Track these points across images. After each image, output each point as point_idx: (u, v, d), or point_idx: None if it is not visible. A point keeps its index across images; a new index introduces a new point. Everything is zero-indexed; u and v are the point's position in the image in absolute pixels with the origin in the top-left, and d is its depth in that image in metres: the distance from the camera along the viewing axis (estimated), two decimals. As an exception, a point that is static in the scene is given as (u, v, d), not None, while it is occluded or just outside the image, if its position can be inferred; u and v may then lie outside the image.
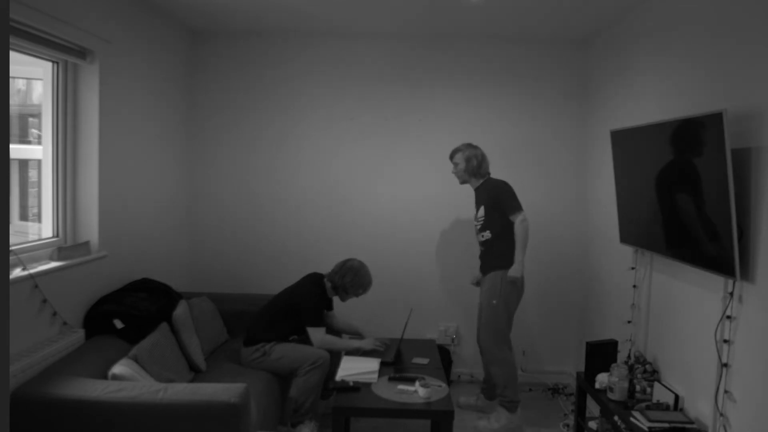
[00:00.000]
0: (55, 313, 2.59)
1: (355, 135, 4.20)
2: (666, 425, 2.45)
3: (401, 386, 2.81)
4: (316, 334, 3.20)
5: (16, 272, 2.39)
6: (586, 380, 3.10)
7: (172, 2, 3.46)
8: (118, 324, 2.82)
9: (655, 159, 2.70)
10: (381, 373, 2.97)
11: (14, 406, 2.15)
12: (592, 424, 3.12)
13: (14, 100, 3.03)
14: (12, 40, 2.34)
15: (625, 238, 3.17)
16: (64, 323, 2.66)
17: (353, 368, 2.96)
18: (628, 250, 3.32)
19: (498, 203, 3.38)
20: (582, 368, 3.34)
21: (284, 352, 3.13)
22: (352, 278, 3.32)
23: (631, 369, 2.97)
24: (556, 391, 4.08)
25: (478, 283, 3.71)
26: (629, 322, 3.28)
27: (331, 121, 4.19)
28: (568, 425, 3.49)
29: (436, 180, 4.18)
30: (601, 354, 3.11)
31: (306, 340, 3.22)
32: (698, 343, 2.56)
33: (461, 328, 4.26)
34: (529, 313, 4.19)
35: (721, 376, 2.35)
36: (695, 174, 2.35)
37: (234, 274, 4.27)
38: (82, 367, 2.42)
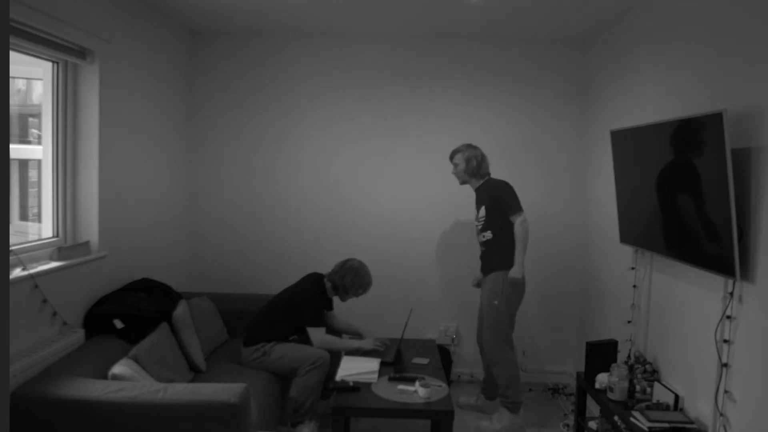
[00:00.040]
0: (55, 313, 2.59)
1: (355, 135, 4.20)
2: (666, 425, 2.45)
3: (401, 386, 2.81)
4: (316, 334, 3.20)
5: (16, 272, 2.39)
6: (586, 380, 3.10)
7: (172, 2, 3.46)
8: (118, 324, 2.82)
9: (655, 159, 2.70)
10: (381, 373, 2.97)
11: (14, 406, 2.15)
12: (592, 424, 3.12)
13: (14, 100, 3.03)
14: (12, 40, 2.34)
15: (625, 238, 3.17)
16: (64, 323, 2.66)
17: (353, 368, 2.96)
18: (628, 250, 3.32)
19: (498, 203, 3.37)
20: (582, 368, 3.34)
21: (284, 352, 3.13)
22: (352, 278, 3.32)
23: (631, 369, 2.97)
24: (556, 391, 4.08)
25: (479, 284, 3.70)
26: (629, 322, 3.28)
27: (331, 121, 4.19)
28: (568, 425, 3.49)
29: (436, 180, 4.18)
30: (601, 354, 3.11)
31: (306, 340, 3.22)
32: (698, 343, 2.56)
33: (461, 328, 4.26)
34: (529, 313, 4.19)
35: (721, 376, 2.35)
36: (695, 174, 2.35)
37: (234, 274, 4.27)
38: (82, 367, 2.42)
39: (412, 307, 4.19)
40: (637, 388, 2.87)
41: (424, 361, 3.21)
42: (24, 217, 2.94)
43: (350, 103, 4.18)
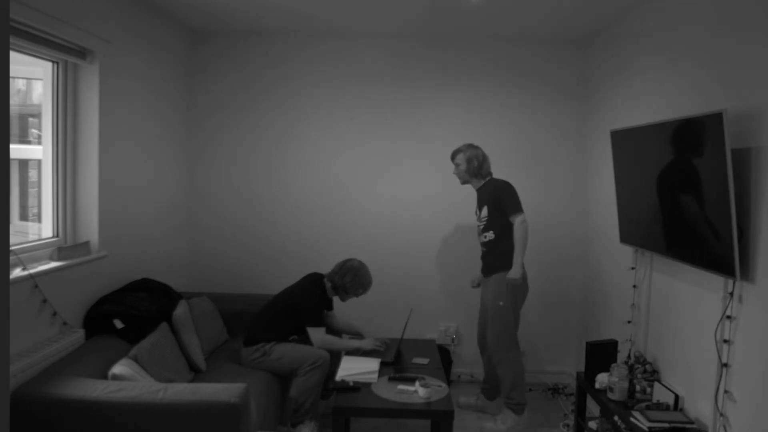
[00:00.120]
0: (55, 313, 2.59)
1: (355, 135, 4.20)
2: (666, 425, 2.45)
3: (401, 386, 2.81)
4: (316, 334, 3.20)
5: (16, 272, 2.39)
6: (586, 380, 3.10)
7: (172, 2, 3.46)
8: (118, 324, 2.82)
9: (655, 159, 2.70)
10: (381, 373, 2.97)
11: (14, 406, 2.15)
12: (592, 424, 3.12)
13: (14, 100, 3.03)
14: (12, 40, 2.34)
15: (625, 238, 3.17)
16: (64, 323, 2.66)
17: (353, 368, 2.96)
18: (628, 250, 3.32)
19: (499, 203, 3.37)
20: (582, 368, 3.34)
21: (284, 352, 3.13)
22: (352, 278, 3.32)
23: (631, 369, 2.97)
24: (556, 391, 4.08)
25: (478, 285, 3.70)
26: (629, 322, 3.28)
27: (331, 121, 4.19)
28: (568, 425, 3.49)
29: (436, 180, 4.18)
30: (601, 354, 3.11)
31: (306, 340, 3.22)
32: (698, 343, 2.56)
33: (461, 328, 4.26)
34: (529, 313, 4.19)
35: (721, 376, 2.35)
36: (695, 174, 2.35)
37: (234, 274, 4.27)
38: (82, 367, 2.42)
39: (412, 307, 4.19)
40: (637, 388, 2.87)
41: (424, 361, 3.21)
42: (24, 217, 2.94)
43: (350, 103, 4.18)
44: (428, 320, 4.26)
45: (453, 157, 3.54)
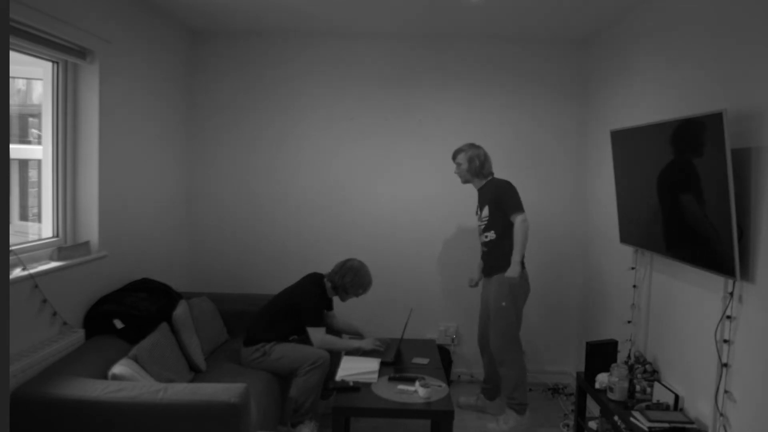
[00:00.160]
0: (55, 313, 2.59)
1: (355, 135, 4.20)
2: (666, 425, 2.45)
3: (401, 386, 2.81)
4: (316, 334, 3.20)
5: (16, 272, 2.39)
6: (586, 380, 3.10)
7: (172, 2, 3.46)
8: (118, 324, 2.82)
9: (655, 159, 2.70)
10: (381, 373, 2.97)
11: (14, 406, 2.15)
12: (592, 424, 3.12)
13: (14, 100, 3.03)
14: (12, 40, 2.34)
15: (625, 238, 3.17)
16: (64, 323, 2.66)
17: (353, 368, 2.96)
18: (628, 250, 3.32)
19: (500, 203, 3.36)
20: (582, 368, 3.34)
21: (284, 352, 3.13)
22: (352, 278, 3.32)
23: (631, 369, 2.97)
24: (556, 391, 4.08)
25: (476, 284, 3.70)
26: (629, 322, 3.28)
27: (331, 121, 4.19)
28: (568, 425, 3.49)
29: (436, 180, 4.18)
30: (601, 354, 3.11)
31: (306, 340, 3.22)
32: (698, 343, 2.56)
33: (461, 328, 4.26)
34: (529, 313, 4.19)
35: (721, 376, 2.35)
36: (695, 174, 2.35)
37: (234, 274, 4.27)
38: (82, 367, 2.42)
39: (412, 307, 4.19)
40: (637, 388, 2.87)
41: (424, 361, 3.21)
42: (24, 217, 2.94)
43: (350, 103, 4.18)
44: (428, 320, 4.26)
45: (454, 156, 3.53)
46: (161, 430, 2.16)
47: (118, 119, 3.13)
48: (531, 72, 4.14)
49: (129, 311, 2.87)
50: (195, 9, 3.59)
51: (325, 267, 3.60)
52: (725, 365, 2.33)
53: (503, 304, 3.34)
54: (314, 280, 3.42)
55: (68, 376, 2.30)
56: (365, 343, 3.27)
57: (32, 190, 2.95)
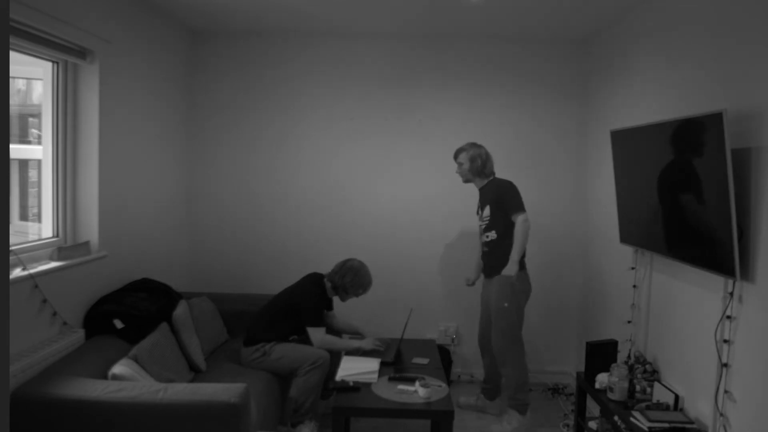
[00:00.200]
0: (55, 313, 2.59)
1: (355, 135, 4.20)
2: (666, 425, 2.45)
3: (401, 386, 2.81)
4: (316, 334, 3.20)
5: (16, 272, 2.39)
6: (586, 380, 3.10)
7: (172, 2, 3.46)
8: (118, 324, 2.82)
9: (655, 159, 2.70)
10: (381, 373, 2.97)
11: (14, 406, 2.15)
12: (592, 424, 3.12)
13: (14, 100, 3.03)
14: (12, 40, 2.34)
15: (625, 238, 3.17)
16: (64, 323, 2.66)
17: (353, 368, 2.96)
18: (628, 250, 3.32)
19: (502, 203, 3.35)
20: (582, 368, 3.34)
21: (284, 352, 3.13)
22: (352, 278, 3.32)
23: (631, 369, 2.97)
24: (556, 391, 4.08)
25: (473, 283, 3.69)
26: (629, 322, 3.28)
27: (331, 121, 4.19)
28: (568, 425, 3.49)
29: (436, 180, 4.18)
30: (601, 354, 3.11)
31: (306, 340, 3.22)
32: (698, 343, 2.56)
33: (461, 328, 4.26)
34: (529, 313, 4.18)
35: (721, 376, 2.35)
36: (695, 174, 2.35)
37: (234, 274, 4.27)
38: (82, 367, 2.42)
39: (412, 307, 4.19)
40: (637, 388, 2.87)
41: (424, 361, 3.21)
42: (24, 217, 2.94)
43: (350, 103, 4.18)
44: (428, 320, 4.26)
45: (456, 155, 3.51)
46: (161, 430, 2.16)
47: (118, 119, 3.14)
48: (531, 72, 4.14)
49: (129, 311, 2.87)
50: (195, 9, 3.59)
51: (325, 267, 3.61)
52: (725, 365, 2.33)
53: (505, 305, 3.33)
54: (314, 280, 3.42)
55: (68, 376, 2.30)
56: (365, 343, 3.27)
57: (32, 190, 2.95)
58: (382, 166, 4.21)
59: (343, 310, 3.96)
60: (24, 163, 2.99)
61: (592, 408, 3.57)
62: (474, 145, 3.48)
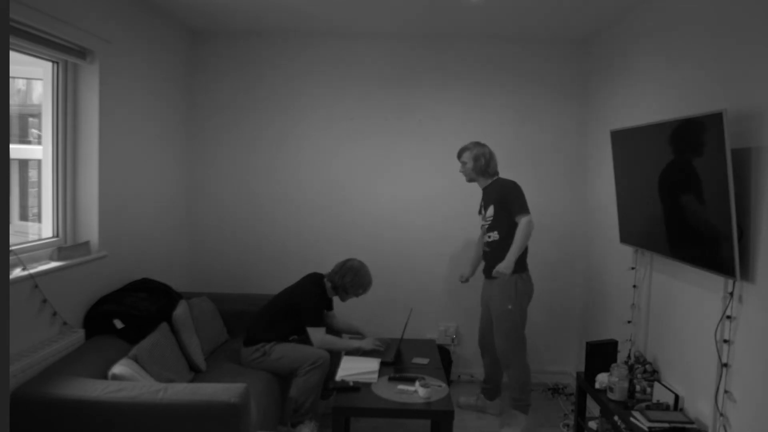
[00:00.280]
0: (55, 313, 2.59)
1: (355, 135, 4.20)
2: (666, 425, 2.45)
3: (401, 386, 2.81)
4: (316, 334, 3.20)
5: (16, 272, 2.39)
6: (586, 380, 3.10)
7: (172, 2, 3.46)
8: (118, 324, 2.82)
9: (655, 159, 2.70)
10: (381, 373, 2.97)
11: (14, 406, 2.15)
12: (592, 424, 3.12)
13: (14, 100, 3.03)
14: (12, 40, 2.34)
15: (625, 238, 3.17)
16: (64, 323, 2.66)
17: (353, 368, 2.96)
18: (628, 250, 3.32)
19: (506, 203, 3.32)
20: (582, 368, 3.34)
21: (284, 352, 3.13)
22: (352, 278, 3.32)
23: (631, 369, 2.97)
24: (556, 391, 4.08)
25: (467, 280, 3.69)
26: (629, 322, 3.28)
27: (331, 121, 4.19)
28: (568, 425, 3.49)
29: (436, 180, 4.18)
30: (601, 354, 3.11)
31: (306, 340, 3.22)
32: (698, 343, 2.56)
33: (461, 328, 4.26)
34: (529, 313, 4.16)
35: (721, 376, 2.35)
36: (695, 174, 2.35)
37: (234, 274, 4.27)
38: (82, 367, 2.42)
39: (412, 307, 4.19)
40: (637, 388, 2.87)
41: (424, 361, 3.21)
42: (24, 217, 2.94)
43: (350, 103, 4.18)
44: (428, 320, 4.26)
45: (460, 154, 3.49)
46: (161, 430, 2.16)
47: (118, 119, 3.14)
48: (531, 72, 4.14)
49: (129, 311, 2.87)
50: (195, 9, 3.59)
51: (325, 267, 3.61)
52: (725, 365, 2.33)
53: (509, 307, 3.32)
54: (314, 280, 3.42)
55: (68, 376, 2.30)
56: (365, 343, 3.27)
57: (32, 190, 2.95)
58: (382, 166, 4.21)
59: (343, 310, 3.96)
60: (24, 163, 2.99)
61: (592, 408, 3.57)
62: (478, 144, 3.46)
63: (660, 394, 2.74)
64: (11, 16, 2.24)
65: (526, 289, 3.38)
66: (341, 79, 4.17)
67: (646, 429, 2.44)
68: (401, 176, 4.21)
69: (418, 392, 2.71)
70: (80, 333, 2.69)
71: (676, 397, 2.63)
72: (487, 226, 3.44)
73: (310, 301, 3.28)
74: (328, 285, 3.39)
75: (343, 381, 2.85)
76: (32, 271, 2.45)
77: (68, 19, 2.63)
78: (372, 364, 3.02)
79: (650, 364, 2.95)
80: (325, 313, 3.51)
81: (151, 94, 3.54)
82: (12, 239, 2.61)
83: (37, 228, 2.87)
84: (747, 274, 2.18)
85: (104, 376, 2.42)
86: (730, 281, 2.29)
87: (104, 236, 3.01)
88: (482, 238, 3.53)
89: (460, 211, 4.18)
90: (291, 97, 4.19)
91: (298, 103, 4.19)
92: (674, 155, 2.53)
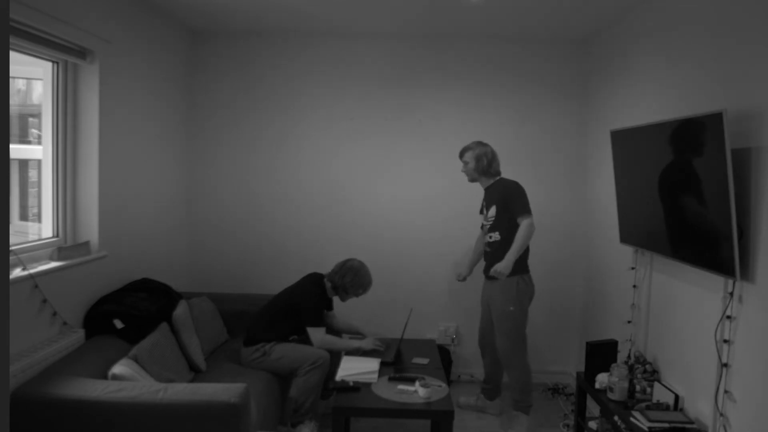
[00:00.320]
0: (55, 313, 2.59)
1: (355, 135, 4.20)
2: (666, 425, 2.45)
3: (401, 386, 2.81)
4: (316, 334, 3.20)
5: (16, 272, 2.39)
6: (586, 380, 3.10)
7: (172, 2, 3.46)
8: (118, 324, 2.82)
9: (655, 159, 2.70)
10: (381, 373, 2.97)
11: (14, 406, 2.15)
12: (592, 424, 3.12)
13: (14, 100, 3.03)
14: (12, 40, 2.34)
15: (625, 238, 3.17)
16: (64, 323, 2.66)
17: (353, 368, 2.96)
18: (628, 250, 3.32)
19: (508, 204, 3.31)
20: (582, 368, 3.34)
21: (284, 352, 3.13)
22: (352, 278, 3.32)
23: (631, 369, 2.97)
24: (556, 391, 4.08)
25: (464, 279, 3.68)
26: (629, 322, 3.28)
27: (331, 121, 4.19)
28: (568, 425, 3.49)
29: (436, 180, 4.18)
30: (601, 354, 3.11)
31: (306, 340, 3.22)
32: (698, 343, 2.56)
33: (461, 328, 4.26)
34: (529, 313, 4.17)
35: (721, 376, 2.35)
36: (695, 174, 2.35)
37: (234, 274, 4.27)
38: (82, 367, 2.42)
39: (412, 307, 4.19)
40: (637, 388, 2.87)
41: (424, 361, 3.21)
42: (24, 217, 2.94)
43: (350, 103, 4.18)
44: (428, 320, 4.26)
45: (462, 154, 3.48)
46: (161, 430, 2.16)
47: (118, 119, 3.14)
48: (531, 72, 4.14)
49: (129, 311, 2.87)
50: (195, 9, 3.59)
51: (325, 267, 3.61)
52: (725, 365, 2.33)
53: (511, 308, 3.31)
54: (314, 280, 3.42)
55: (68, 376, 2.30)
56: (365, 343, 3.27)
57: (32, 190, 2.95)
58: (382, 166, 4.21)
59: (343, 310, 3.96)
60: (24, 163, 2.99)
61: (592, 408, 3.57)
62: (480, 143, 3.44)
63: (660, 394, 2.74)
64: (11, 16, 2.24)
65: (528, 290, 3.38)
66: (341, 79, 4.17)
67: (646, 429, 2.44)
68: (401, 176, 4.21)
69: (418, 392, 2.71)
70: (80, 333, 2.69)
71: (676, 397, 2.63)
72: (488, 227, 3.43)
73: (310, 301, 3.28)
74: (328, 285, 3.39)
75: (343, 381, 2.85)
76: (32, 271, 2.45)
77: (68, 19, 2.63)
78: (372, 364, 3.03)
79: (650, 364, 2.95)
80: (325, 313, 3.51)
81: (151, 94, 3.54)
82: (12, 239, 2.61)
83: (37, 228, 2.87)
84: (747, 274, 2.19)
85: (104, 376, 2.42)
86: (730, 281, 2.29)
87: (104, 236, 3.01)
88: (482, 237, 3.53)
89: (460, 211, 4.18)
90: (291, 97, 4.19)
91: (298, 103, 4.19)
92: (674, 155, 2.53)
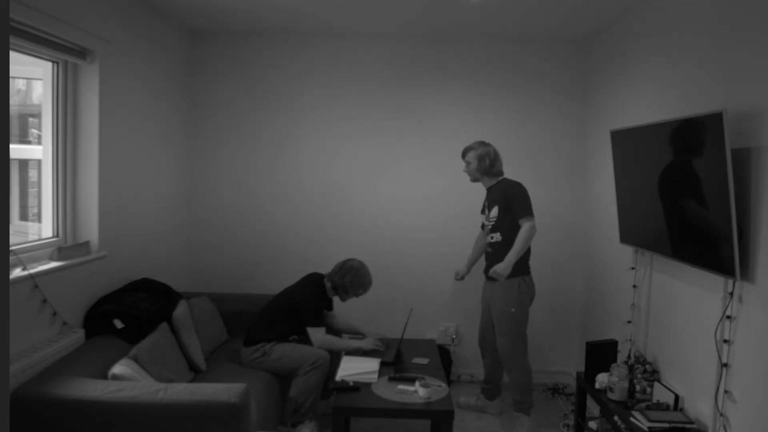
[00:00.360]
0: (55, 313, 2.59)
1: (355, 135, 4.20)
2: (666, 425, 2.45)
3: (401, 386, 2.81)
4: (316, 334, 3.20)
5: (16, 272, 2.39)
6: (586, 380, 3.10)
7: (172, 2, 3.46)
8: (118, 324, 2.82)
9: (655, 159, 2.70)
10: (381, 373, 2.97)
11: (14, 406, 2.15)
12: (592, 424, 3.12)
13: (14, 100, 3.03)
14: (12, 40, 2.34)
15: (625, 238, 3.17)
16: (64, 323, 2.66)
17: (353, 368, 2.96)
18: (628, 250, 3.32)
19: (510, 205, 3.30)
20: (582, 368, 3.34)
21: (284, 352, 3.13)
22: (352, 278, 3.32)
23: (631, 369, 2.97)
24: (556, 391, 4.08)
25: (462, 278, 3.68)
26: (629, 322, 3.28)
27: (331, 121, 4.19)
28: (568, 425, 3.49)
29: (436, 180, 4.18)
30: (601, 354, 3.11)
31: (306, 340, 3.22)
32: (698, 343, 2.56)
33: (461, 328, 4.26)
34: (530, 313, 4.18)
35: (721, 376, 2.35)
36: (695, 174, 2.35)
37: (234, 274, 4.27)
38: (82, 367, 2.42)
39: (412, 307, 4.19)
40: (637, 388, 2.87)
41: (424, 361, 3.21)
42: (24, 217, 2.94)
43: (350, 103, 4.18)
44: (428, 320, 4.26)
45: (464, 154, 3.47)
46: (161, 430, 2.16)
47: (118, 119, 3.14)
48: (531, 72, 4.14)
49: (129, 311, 2.87)
50: (195, 9, 3.59)
51: (325, 267, 3.60)
52: (725, 365, 2.33)
53: (513, 310, 3.31)
54: (314, 280, 3.42)
55: (68, 376, 2.30)
56: (365, 343, 3.27)
57: (32, 190, 2.95)
58: (382, 166, 4.21)
59: (343, 310, 3.96)
60: (24, 163, 2.99)
61: (592, 408, 3.57)
62: (482, 143, 3.43)
63: (660, 394, 2.74)
64: (11, 16, 2.24)
65: (529, 291, 3.37)
66: (341, 79, 4.17)
67: (646, 429, 2.44)
68: (401, 176, 4.21)
69: (418, 392, 2.71)
70: (80, 333, 2.69)
71: (676, 397, 2.63)
72: (490, 227, 3.42)
73: (310, 301, 3.28)
74: (328, 285, 3.39)
75: (343, 381, 2.85)
76: (32, 271, 2.45)
77: (68, 19, 2.63)
78: (372, 364, 3.03)
79: (650, 364, 2.95)
80: (325, 313, 3.51)
81: (151, 94, 3.54)
82: (12, 239, 2.61)
83: (37, 228, 2.87)
84: (747, 274, 2.19)
85: (104, 376, 2.42)
86: (730, 281, 2.29)
87: (104, 236, 3.01)
88: (483, 237, 3.53)
89: (460, 211, 4.17)
90: (291, 97, 4.19)
91: (298, 103, 4.19)
92: (674, 155, 2.53)
